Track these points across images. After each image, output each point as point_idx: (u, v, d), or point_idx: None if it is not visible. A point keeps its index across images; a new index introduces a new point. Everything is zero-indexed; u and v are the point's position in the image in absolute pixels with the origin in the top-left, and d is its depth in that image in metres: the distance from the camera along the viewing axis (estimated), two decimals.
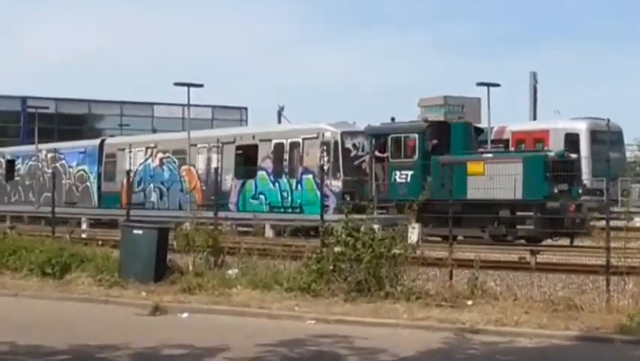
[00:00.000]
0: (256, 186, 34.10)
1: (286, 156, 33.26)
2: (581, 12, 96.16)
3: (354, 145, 31.73)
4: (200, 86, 39.15)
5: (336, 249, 16.03)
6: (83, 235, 28.07)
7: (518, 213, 26.50)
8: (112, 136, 48.53)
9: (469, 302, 14.46)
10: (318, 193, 29.49)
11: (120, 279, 17.11)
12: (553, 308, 13.74)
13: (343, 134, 31.65)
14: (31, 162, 44.74)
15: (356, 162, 31.52)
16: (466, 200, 26.08)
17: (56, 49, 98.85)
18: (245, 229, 27.66)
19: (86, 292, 16.66)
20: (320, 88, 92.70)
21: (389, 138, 29.79)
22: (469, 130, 30.15)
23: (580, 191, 27.90)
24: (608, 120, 33.36)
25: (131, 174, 36.82)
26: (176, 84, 38.67)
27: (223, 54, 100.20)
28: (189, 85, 38.21)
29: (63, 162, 43.30)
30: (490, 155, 29.51)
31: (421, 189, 26.40)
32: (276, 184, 33.04)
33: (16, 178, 46.02)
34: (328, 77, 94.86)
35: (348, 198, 28.96)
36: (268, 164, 33.86)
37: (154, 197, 38.10)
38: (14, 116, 67.66)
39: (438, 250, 18.60)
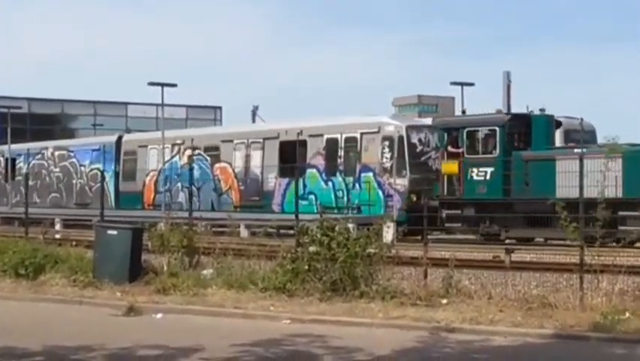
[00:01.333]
0: (305, 186, 30.43)
1: (341, 153, 30.77)
2: (561, 14, 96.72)
3: (420, 140, 29.56)
4: (174, 85, 39.13)
5: (311, 248, 16.04)
6: (57, 236, 27.88)
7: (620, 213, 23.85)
8: (129, 132, 45.43)
9: (444, 301, 14.51)
10: (380, 193, 28.74)
11: (94, 279, 17.02)
12: (528, 307, 13.82)
13: (408, 128, 29.64)
14: (34, 161, 42.03)
15: (423, 158, 29.44)
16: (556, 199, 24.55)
17: (31, 49, 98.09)
18: (220, 229, 27.51)
19: (60, 293, 16.53)
20: (295, 87, 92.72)
21: (464, 132, 27.53)
22: (551, 124, 27.98)
23: None
24: (582, 119, 33.44)
25: (155, 173, 35.45)
26: (150, 84, 38.68)
27: (197, 54, 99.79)
28: (163, 85, 38.21)
29: (74, 160, 40.01)
30: (584, 150, 26.65)
31: (502, 187, 25.96)
32: (329, 183, 30.63)
33: (18, 178, 42.55)
34: (303, 77, 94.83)
35: (414, 198, 27.83)
36: (319, 161, 31.30)
37: (181, 197, 34.80)
38: None
39: (412, 249, 18.59)
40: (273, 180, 31.94)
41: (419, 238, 25.15)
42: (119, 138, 38.89)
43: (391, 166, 28.54)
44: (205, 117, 68.69)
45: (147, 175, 35.87)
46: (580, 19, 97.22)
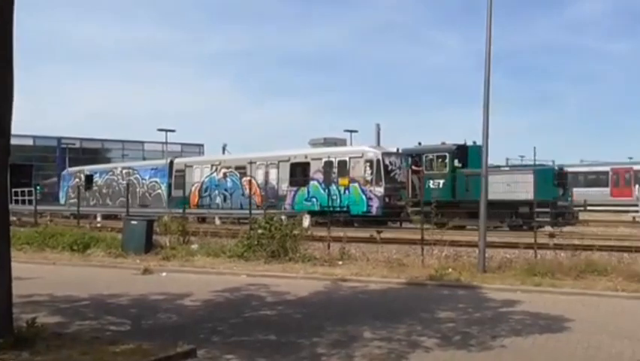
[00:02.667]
0: (308, 192, 29.38)
1: (335, 170, 28.70)
2: (409, 87, 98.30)
3: (390, 162, 27.78)
4: (174, 131, 38.58)
5: (259, 231, 15.97)
6: (98, 225, 27.16)
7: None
8: (178, 157, 41.99)
9: (340, 263, 14.57)
10: (363, 197, 27.51)
11: (123, 252, 16.61)
12: (390, 265, 13.95)
13: (383, 154, 27.90)
14: (107, 176, 39.56)
15: (392, 174, 27.64)
16: (489, 200, 23.53)
17: (81, 105, 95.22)
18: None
19: (100, 261, 16.07)
20: (249, 130, 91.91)
21: (423, 157, 26.07)
22: (480, 150, 26.63)
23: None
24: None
25: (198, 184, 33.77)
26: (159, 130, 38.22)
27: (186, 108, 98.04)
28: (167, 130, 37.76)
29: (137, 175, 37.92)
30: (507, 168, 26.53)
31: (451, 193, 24.87)
32: (326, 190, 28.28)
33: (94, 188, 39.88)
34: (256, 124, 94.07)
35: (387, 200, 26.99)
36: (319, 175, 29.23)
37: (218, 200, 32.84)
38: (52, 150, 64.72)
39: (321, 231, 18.60)
40: (285, 188, 30.16)
41: (390, 224, 26.04)
42: (171, 162, 36.90)
43: (372, 179, 27.38)
44: (193, 151, 67.48)
45: (193, 185, 34.08)
46: (414, 91, 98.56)
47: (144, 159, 55.57)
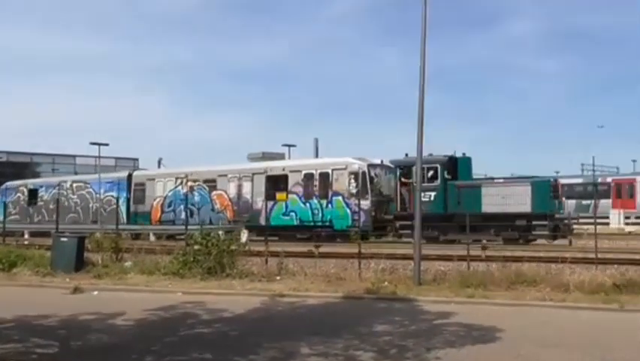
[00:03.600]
0: (286, 206, 27.40)
1: (316, 183, 27.03)
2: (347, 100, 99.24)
3: (375, 174, 26.51)
4: (107, 144, 37.52)
5: (195, 247, 15.73)
6: (26, 242, 26.04)
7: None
8: (138, 169, 38.57)
9: (278, 278, 14.53)
10: (348, 211, 26.00)
11: (52, 271, 15.99)
12: (328, 280, 14.01)
13: (369, 165, 26.45)
14: (54, 191, 36.10)
15: (377, 187, 26.35)
16: (482, 213, 22.06)
17: (10, 117, 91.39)
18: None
19: (27, 281, 15.41)
20: (185, 147, 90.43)
21: (413, 168, 23.52)
22: (469, 163, 25.24)
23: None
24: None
25: (161, 199, 31.70)
26: (92, 143, 37.07)
27: (123, 120, 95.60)
28: (100, 144, 36.72)
29: (90, 190, 35.07)
30: (501, 180, 25.11)
31: (443, 206, 23.67)
32: (307, 204, 26.84)
33: (39, 203, 36.64)
34: (193, 138, 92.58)
35: (374, 214, 25.65)
36: (298, 189, 27.40)
37: (184, 215, 29.82)
38: None
39: (259, 246, 18.51)
40: (260, 203, 27.63)
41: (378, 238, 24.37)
42: (130, 175, 34.38)
43: (357, 192, 25.41)
44: (127, 165, 65.99)
45: (155, 200, 32.00)
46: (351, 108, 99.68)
47: (76, 173, 53.55)
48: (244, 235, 21.46)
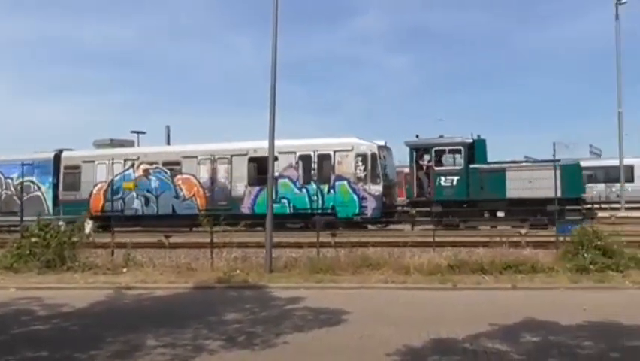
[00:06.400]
0: (277, 192, 23.33)
1: (314, 166, 24.43)
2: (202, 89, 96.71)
3: (384, 156, 24.45)
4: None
5: (32, 239, 14.71)
6: None
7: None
8: (68, 150, 30.41)
9: (125, 270, 14.07)
10: (354, 196, 23.78)
11: None
12: (179, 270, 13.83)
13: (379, 147, 24.31)
14: None
15: (386, 171, 24.36)
16: (507, 198, 21.27)
17: None
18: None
19: None
20: (36, 132, 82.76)
21: (432, 151, 23.03)
22: (484, 145, 23.80)
23: None
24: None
25: (104, 184, 27.25)
26: None
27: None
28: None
29: None
30: (527, 164, 23.34)
31: (466, 191, 22.17)
32: (303, 190, 24.31)
33: None
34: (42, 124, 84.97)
35: (384, 200, 23.75)
36: (292, 172, 24.53)
37: (137, 204, 26.70)
38: None
39: (104, 237, 17.67)
40: (242, 188, 25.19)
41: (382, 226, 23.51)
42: (57, 155, 28.73)
43: (366, 176, 23.63)
44: None
45: (95, 186, 27.46)
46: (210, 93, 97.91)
47: None
48: (88, 226, 20.35)
